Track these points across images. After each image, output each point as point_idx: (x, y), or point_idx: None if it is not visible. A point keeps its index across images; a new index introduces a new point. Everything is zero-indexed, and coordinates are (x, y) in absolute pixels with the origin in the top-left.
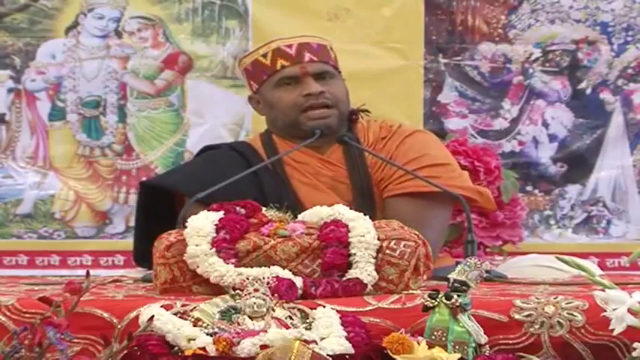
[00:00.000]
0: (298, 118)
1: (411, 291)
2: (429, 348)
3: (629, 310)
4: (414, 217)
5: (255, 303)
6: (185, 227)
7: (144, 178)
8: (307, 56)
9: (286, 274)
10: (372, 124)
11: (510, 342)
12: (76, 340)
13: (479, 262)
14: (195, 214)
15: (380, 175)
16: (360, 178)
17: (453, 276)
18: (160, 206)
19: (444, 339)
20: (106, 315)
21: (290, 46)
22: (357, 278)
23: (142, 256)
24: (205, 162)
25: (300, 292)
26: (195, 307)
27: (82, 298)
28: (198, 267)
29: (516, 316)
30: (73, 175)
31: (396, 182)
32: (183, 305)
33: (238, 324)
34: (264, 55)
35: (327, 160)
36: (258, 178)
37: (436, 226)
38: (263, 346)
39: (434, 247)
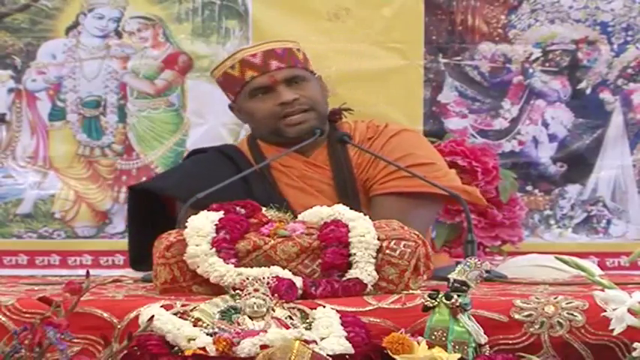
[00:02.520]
0: (278, 126)
1: (411, 291)
2: (429, 348)
3: (629, 310)
4: (397, 217)
5: (255, 303)
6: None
7: (146, 177)
8: (274, 64)
9: (286, 274)
10: (359, 124)
11: (510, 342)
12: (76, 340)
13: (479, 262)
14: (186, 218)
15: (365, 176)
16: (344, 179)
17: (453, 276)
18: (150, 210)
19: (444, 339)
20: (106, 315)
21: (254, 56)
22: (357, 278)
23: (136, 260)
24: (194, 165)
25: (300, 292)
26: (195, 307)
27: (82, 298)
28: (198, 267)
29: (516, 316)
30: (73, 174)
31: (380, 182)
32: (183, 305)
33: (238, 324)
34: (232, 67)
35: (312, 162)
36: (247, 183)
37: (419, 225)
38: (263, 346)
39: None
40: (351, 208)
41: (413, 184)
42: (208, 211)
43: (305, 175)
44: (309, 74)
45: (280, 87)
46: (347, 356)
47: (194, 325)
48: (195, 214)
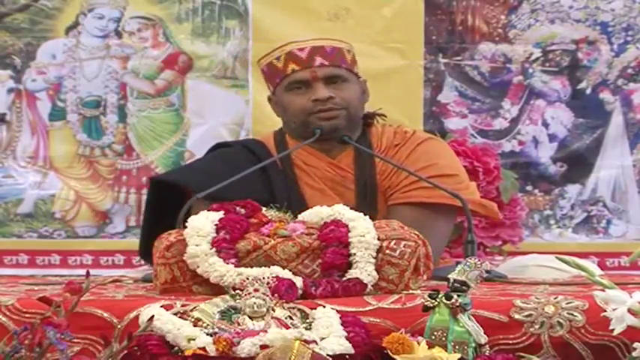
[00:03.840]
0: (308, 120)
1: (411, 291)
2: (429, 348)
3: (629, 310)
4: (416, 227)
5: (255, 303)
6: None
7: (146, 177)
8: (318, 60)
9: (286, 274)
10: (387, 129)
11: (510, 342)
12: (76, 340)
13: (479, 262)
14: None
15: (387, 183)
16: (366, 183)
17: (453, 276)
18: (169, 203)
19: (444, 339)
20: (106, 315)
21: (302, 50)
22: (357, 278)
23: (147, 252)
24: (217, 159)
25: (300, 292)
26: (195, 307)
27: (82, 298)
28: (198, 267)
29: (516, 316)
30: (73, 174)
31: (402, 191)
32: (183, 305)
33: (238, 324)
34: (278, 59)
35: (336, 164)
36: (268, 179)
37: (438, 236)
38: (263, 346)
39: (434, 256)
40: (367, 213)
41: (434, 194)
42: (209, 211)
43: (326, 177)
44: (352, 76)
45: (318, 84)
46: (347, 356)
47: (194, 325)
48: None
